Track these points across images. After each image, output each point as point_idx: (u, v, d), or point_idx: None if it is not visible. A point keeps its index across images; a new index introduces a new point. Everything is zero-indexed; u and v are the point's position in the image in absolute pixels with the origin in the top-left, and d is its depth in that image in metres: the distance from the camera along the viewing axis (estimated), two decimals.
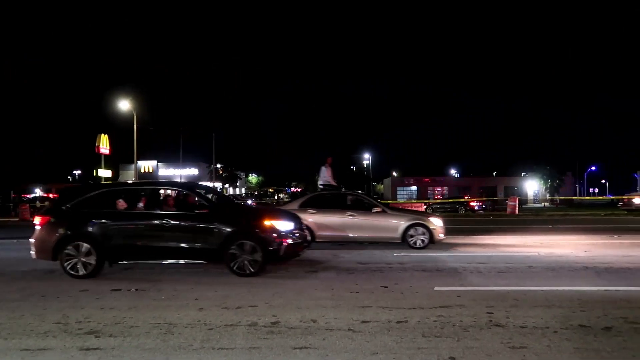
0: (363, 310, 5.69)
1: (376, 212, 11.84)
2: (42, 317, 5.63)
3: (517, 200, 31.72)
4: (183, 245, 8.21)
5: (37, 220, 8.71)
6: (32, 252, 8.54)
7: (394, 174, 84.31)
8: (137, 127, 36.25)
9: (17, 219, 29.11)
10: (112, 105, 36.48)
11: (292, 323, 5.19)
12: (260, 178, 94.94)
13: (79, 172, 69.21)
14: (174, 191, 9.55)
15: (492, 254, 10.49)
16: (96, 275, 8.14)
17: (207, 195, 9.45)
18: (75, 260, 8.15)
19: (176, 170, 61.20)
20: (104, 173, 36.81)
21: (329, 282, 7.49)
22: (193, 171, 63.20)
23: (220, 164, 64.70)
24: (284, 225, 8.37)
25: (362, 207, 12.15)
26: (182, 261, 8.34)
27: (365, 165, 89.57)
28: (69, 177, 71.06)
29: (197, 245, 8.19)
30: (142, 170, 57.63)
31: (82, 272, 8.09)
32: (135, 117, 36.04)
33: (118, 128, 38.59)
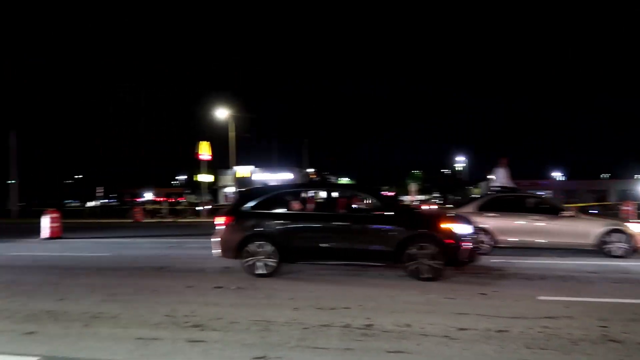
0: (459, 317, 5.49)
1: (565, 216, 10.90)
2: (153, 310, 6.11)
3: (634, 204, 28.76)
4: (361, 247, 8.19)
5: (220, 220, 8.97)
6: (216, 251, 8.84)
7: (491, 176, 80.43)
8: (234, 134, 38.17)
9: (130, 221, 31.88)
10: (211, 113, 38.74)
11: (385, 326, 5.14)
12: (351, 182, 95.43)
13: (183, 177, 74.32)
14: (343, 193, 9.37)
15: None
16: (275, 274, 8.31)
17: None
18: (256, 259, 8.39)
19: (271, 175, 63.47)
20: (205, 178, 39.20)
21: (426, 287, 7.32)
22: (288, 176, 65.15)
23: (314, 168, 66.07)
24: (461, 229, 8.05)
25: (547, 210, 11.24)
26: (359, 263, 8.45)
27: (459, 169, 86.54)
28: (172, 182, 76.56)
29: (375, 247, 8.13)
30: (240, 175, 60.51)
31: (261, 271, 8.32)
32: (232, 125, 37.98)
33: (219, 136, 40.92)
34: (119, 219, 35.60)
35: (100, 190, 55.48)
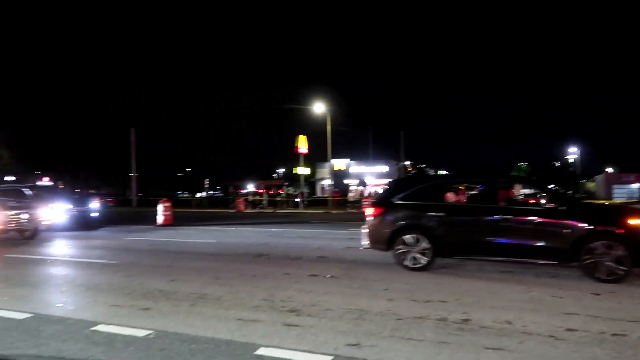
0: (568, 317, 5.09)
1: None
2: (252, 294, 6.41)
3: None
4: (530, 243, 7.47)
5: (370, 211, 8.70)
6: (365, 242, 8.65)
7: (609, 169, 73.45)
8: (330, 127, 38.66)
9: (233, 211, 33.65)
10: (309, 108, 39.56)
11: (484, 322, 4.92)
12: (449, 174, 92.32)
13: (282, 170, 76.91)
14: (504, 184, 8.97)
15: None
16: (428, 269, 7.94)
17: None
18: (407, 251, 8.06)
19: (367, 167, 63.44)
20: (303, 171, 40.25)
21: (528, 285, 6.89)
22: (383, 168, 64.69)
23: (410, 161, 64.97)
24: None
25: None
26: (526, 260, 7.72)
27: (571, 161, 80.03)
28: (273, 175, 79.49)
29: (545, 243, 7.37)
30: (336, 168, 61.24)
31: (413, 264, 7.98)
32: (328, 119, 38.50)
33: (315, 129, 41.74)
34: (223, 209, 37.78)
35: (206, 183, 59.26)
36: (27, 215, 13.60)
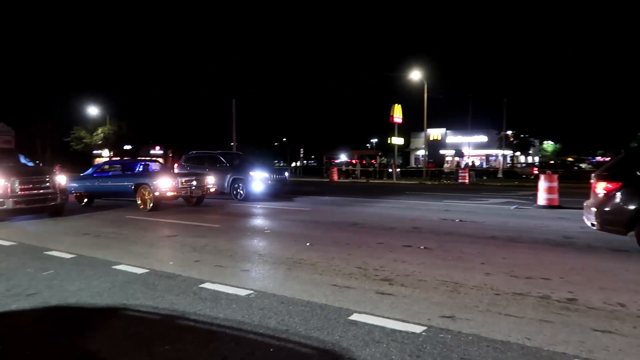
0: None
1: None
2: (347, 261, 6.54)
3: None
4: None
5: (601, 185, 7.30)
6: (592, 223, 7.43)
7: None
8: (427, 96, 37.44)
9: (327, 180, 34.24)
10: (405, 76, 38.54)
11: (592, 303, 4.59)
12: (557, 145, 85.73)
13: (375, 140, 76.38)
14: None
15: None
16: None
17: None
18: None
19: (464, 137, 60.93)
20: (397, 140, 39.60)
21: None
22: (482, 138, 61.73)
23: (511, 130, 61.24)
24: None
25: None
26: None
27: None
28: (367, 144, 79.28)
29: None
30: (431, 138, 59.51)
31: None
32: (425, 86, 37.26)
33: (410, 98, 40.72)
34: (317, 177, 38.56)
35: (302, 152, 60.71)
36: (195, 183, 14.18)
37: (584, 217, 7.91)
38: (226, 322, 4.14)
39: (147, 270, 6.02)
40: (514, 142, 66.21)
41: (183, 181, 13.82)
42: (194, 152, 19.09)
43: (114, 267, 6.25)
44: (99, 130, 56.56)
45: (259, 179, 16.53)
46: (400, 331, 3.88)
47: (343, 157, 57.87)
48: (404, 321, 4.11)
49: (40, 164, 37.98)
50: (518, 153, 67.35)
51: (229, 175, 16.78)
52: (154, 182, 13.29)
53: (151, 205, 13.25)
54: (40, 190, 11.38)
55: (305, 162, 65.27)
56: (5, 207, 10.56)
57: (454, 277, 5.58)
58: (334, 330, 3.92)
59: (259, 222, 11.17)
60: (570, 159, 77.58)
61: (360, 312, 4.34)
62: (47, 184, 11.55)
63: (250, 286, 5.26)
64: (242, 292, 5.01)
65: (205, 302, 4.72)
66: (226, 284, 5.33)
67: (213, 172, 16.09)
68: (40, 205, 11.41)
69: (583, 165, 64.61)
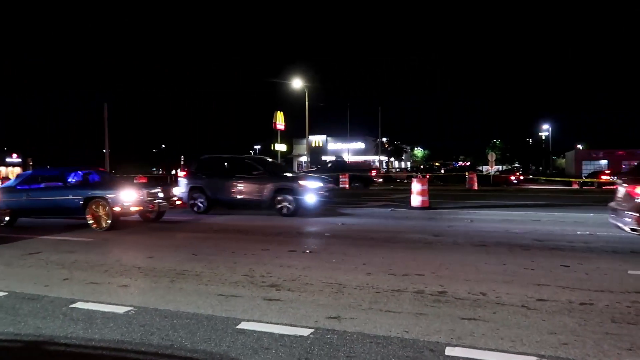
0: (539, 288, 5.28)
1: None
2: (232, 269, 6.44)
3: None
4: None
5: None
6: (633, 227, 6.98)
7: (579, 146, 75.30)
8: (308, 103, 38.43)
9: None
10: (287, 83, 39.16)
11: (459, 294, 5.07)
12: (426, 152, 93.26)
13: (258, 146, 76.41)
14: None
15: None
16: None
17: None
18: None
19: (343, 144, 63.56)
20: (280, 147, 40.01)
21: (500, 256, 7.09)
22: (360, 145, 64.90)
23: (385, 137, 65.25)
24: None
25: None
26: None
27: (543, 137, 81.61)
28: (250, 151, 78.95)
29: None
30: (313, 145, 61.12)
31: None
32: (307, 94, 38.22)
33: (292, 105, 41.49)
34: None
35: (182, 159, 58.58)
36: (162, 194, 11.97)
37: (615, 221, 7.66)
38: (102, 343, 3.84)
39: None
40: (389, 148, 70.70)
41: (148, 193, 11.52)
42: (206, 156, 15.66)
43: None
44: None
45: (312, 189, 13.26)
46: (289, 335, 3.93)
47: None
48: (292, 325, 4.17)
49: None
50: (392, 159, 71.97)
51: (269, 185, 13.39)
52: (113, 195, 10.87)
53: (109, 222, 10.79)
54: None
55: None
56: None
57: (338, 279, 5.79)
58: (221, 341, 3.84)
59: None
60: (437, 164, 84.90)
61: (248, 320, 4.30)
62: None
63: (129, 302, 4.94)
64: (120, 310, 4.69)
65: (77, 323, 4.33)
66: (100, 302, 4.95)
67: (245, 182, 13.66)
68: None
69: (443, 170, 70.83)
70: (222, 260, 7.07)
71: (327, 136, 68.28)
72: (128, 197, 10.92)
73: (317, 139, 67.15)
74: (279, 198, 13.25)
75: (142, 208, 11.25)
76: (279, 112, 38.28)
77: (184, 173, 15.51)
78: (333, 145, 67.44)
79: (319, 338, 3.87)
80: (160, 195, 11.92)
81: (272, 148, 43.73)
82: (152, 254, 7.79)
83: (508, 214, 13.18)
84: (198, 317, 4.43)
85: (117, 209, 10.76)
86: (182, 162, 59.78)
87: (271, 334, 3.96)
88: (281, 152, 41.16)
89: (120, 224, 11.35)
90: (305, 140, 45.19)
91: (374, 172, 33.95)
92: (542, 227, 10.33)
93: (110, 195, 10.88)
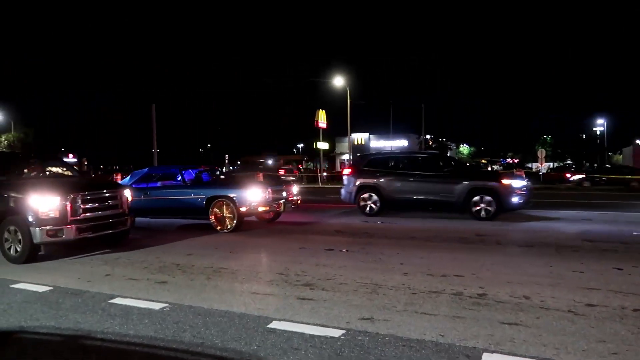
0: (588, 292, 4.96)
1: None
2: (269, 267, 6.43)
3: None
4: None
5: None
6: None
7: (638, 142, 71.32)
8: (350, 101, 38.24)
9: None
10: (328, 82, 39.11)
11: (500, 297, 4.83)
12: (471, 149, 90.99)
13: (301, 145, 76.87)
14: None
15: None
16: None
17: None
18: None
19: (386, 142, 62.89)
20: (322, 145, 40.08)
21: (547, 257, 6.74)
22: (403, 142, 64.03)
23: (429, 134, 64.11)
24: None
25: None
26: None
27: (598, 133, 77.85)
28: (294, 149, 79.59)
29: None
30: (355, 143, 60.84)
31: None
32: (348, 92, 38.03)
33: (334, 104, 41.44)
34: None
35: (226, 158, 59.73)
36: (285, 193, 11.32)
37: None
38: (136, 339, 3.89)
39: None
40: (433, 145, 69.40)
41: (273, 191, 10.75)
42: (377, 152, 13.96)
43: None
44: (2, 138, 52.16)
45: (515, 189, 11.42)
46: (319, 336, 3.85)
47: (270, 163, 57.72)
48: (323, 326, 4.09)
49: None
50: None
51: (463, 184, 11.65)
52: (239, 194, 10.14)
53: (234, 223, 10.09)
54: (107, 211, 7.99)
55: (231, 167, 64.21)
56: (63, 237, 7.24)
57: (373, 279, 5.66)
58: (252, 340, 3.81)
59: None
60: (484, 161, 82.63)
61: (279, 320, 4.26)
62: (116, 201, 8.21)
63: (165, 299, 5.01)
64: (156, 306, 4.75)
65: (114, 318, 4.42)
66: (138, 298, 5.04)
67: (431, 181, 12.14)
68: (108, 232, 7.97)
69: (495, 167, 68.81)
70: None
71: (369, 134, 67.77)
72: (254, 196, 10.14)
73: (359, 137, 66.76)
74: (475, 199, 11.49)
75: (267, 208, 10.44)
76: (321, 110, 38.36)
77: (349, 170, 14.17)
78: (376, 142, 66.85)
79: (350, 340, 3.77)
80: (284, 194, 11.20)
81: (314, 146, 43.89)
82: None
83: (556, 213, 12.58)
84: (230, 315, 4.42)
85: (243, 209, 10.05)
86: (226, 161, 60.90)
87: (302, 334, 3.90)
88: (323, 150, 41.23)
89: (245, 225, 10.75)
90: (347, 139, 45.00)
91: None
92: (594, 227, 9.78)
93: (234, 195, 10.17)
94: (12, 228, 7.27)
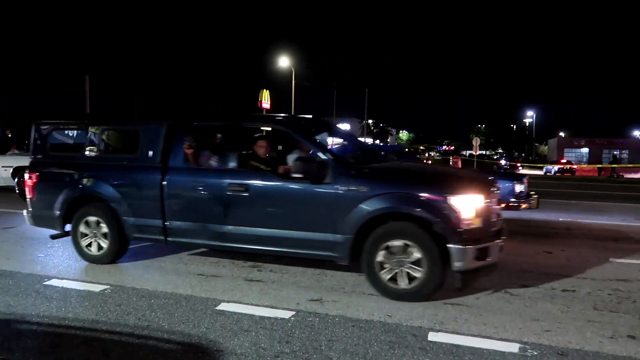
0: (522, 274, 5.27)
1: None
2: (214, 249, 6.31)
3: None
4: None
5: None
6: None
7: (561, 134, 76.22)
8: (295, 82, 37.99)
9: None
10: (273, 62, 38.59)
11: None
12: (411, 135, 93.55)
13: None
14: None
15: None
16: None
17: None
18: None
19: None
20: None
21: None
22: (345, 126, 64.64)
23: (371, 120, 65.15)
24: None
25: None
26: None
27: (527, 124, 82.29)
28: None
29: None
30: None
31: None
32: (294, 73, 37.76)
33: (278, 85, 40.93)
34: None
35: None
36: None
37: None
38: (76, 323, 3.71)
39: None
40: (374, 130, 70.67)
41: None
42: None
43: None
44: None
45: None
46: (270, 318, 3.85)
47: None
48: (273, 307, 4.08)
49: None
50: (377, 141, 71.98)
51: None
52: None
53: None
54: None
55: None
56: (490, 259, 4.40)
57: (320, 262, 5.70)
58: (200, 322, 3.74)
59: None
60: (421, 147, 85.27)
61: (228, 301, 4.21)
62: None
63: (105, 280, 4.80)
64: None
65: (51, 301, 4.18)
66: (76, 280, 4.81)
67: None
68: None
69: (432, 153, 71.25)
70: None
71: (312, 116, 67.92)
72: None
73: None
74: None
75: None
76: (264, 90, 37.80)
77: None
78: None
79: (301, 321, 3.80)
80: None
81: None
82: None
83: None
84: (176, 297, 4.32)
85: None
86: None
87: (251, 316, 3.88)
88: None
89: None
90: None
91: None
92: (529, 214, 10.38)
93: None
94: (92, 219, 5.46)
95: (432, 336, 3.52)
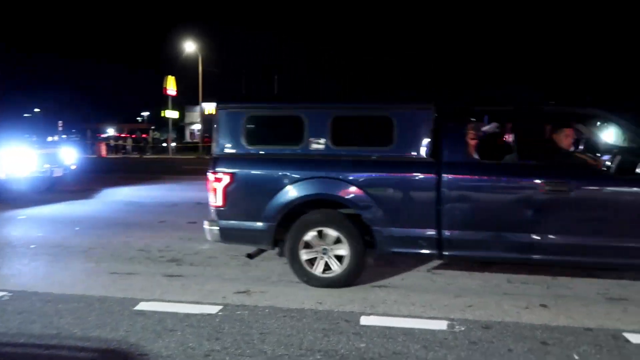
0: None
1: None
2: (126, 244, 5.88)
3: None
4: None
5: None
6: None
7: None
8: (202, 69, 36.69)
9: (94, 156, 30.84)
10: (179, 47, 36.94)
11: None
12: None
13: (147, 113, 71.87)
14: None
15: None
16: None
17: None
18: None
19: None
20: (171, 114, 37.95)
21: None
22: None
23: None
24: None
25: None
26: None
27: None
28: (138, 118, 74.08)
29: None
30: (206, 112, 58.97)
31: None
32: (200, 59, 36.41)
33: (184, 71, 39.23)
34: (84, 154, 34.36)
35: (60, 124, 53.13)
36: None
37: None
38: None
39: None
40: None
41: None
42: None
43: None
44: None
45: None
46: (195, 314, 3.63)
47: (111, 132, 52.98)
48: (198, 303, 3.86)
49: None
50: None
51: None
52: None
53: None
54: None
55: (64, 136, 57.40)
56: None
57: (244, 251, 5.51)
58: (118, 325, 3.42)
59: None
60: None
61: (147, 300, 3.91)
62: None
63: (3, 286, 4.25)
64: None
65: None
66: None
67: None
68: None
69: None
70: None
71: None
72: None
73: (211, 107, 64.81)
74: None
75: None
76: (169, 77, 36.11)
77: None
78: None
79: (229, 315, 3.63)
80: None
81: (162, 115, 41.29)
82: None
83: None
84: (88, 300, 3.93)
85: None
86: (59, 128, 54.16)
87: (175, 314, 3.63)
88: (172, 119, 39.09)
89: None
90: (198, 108, 43.25)
91: None
92: None
93: None
94: (326, 231, 4.27)
95: (364, 320, 3.53)
